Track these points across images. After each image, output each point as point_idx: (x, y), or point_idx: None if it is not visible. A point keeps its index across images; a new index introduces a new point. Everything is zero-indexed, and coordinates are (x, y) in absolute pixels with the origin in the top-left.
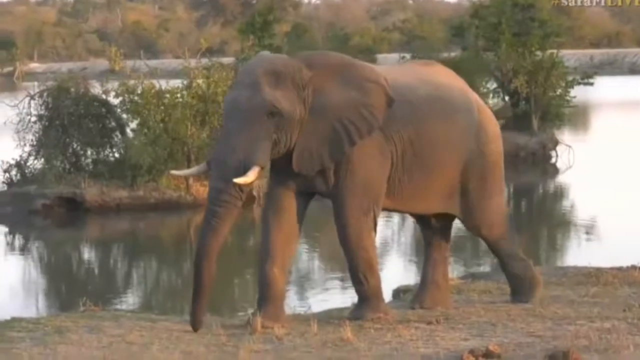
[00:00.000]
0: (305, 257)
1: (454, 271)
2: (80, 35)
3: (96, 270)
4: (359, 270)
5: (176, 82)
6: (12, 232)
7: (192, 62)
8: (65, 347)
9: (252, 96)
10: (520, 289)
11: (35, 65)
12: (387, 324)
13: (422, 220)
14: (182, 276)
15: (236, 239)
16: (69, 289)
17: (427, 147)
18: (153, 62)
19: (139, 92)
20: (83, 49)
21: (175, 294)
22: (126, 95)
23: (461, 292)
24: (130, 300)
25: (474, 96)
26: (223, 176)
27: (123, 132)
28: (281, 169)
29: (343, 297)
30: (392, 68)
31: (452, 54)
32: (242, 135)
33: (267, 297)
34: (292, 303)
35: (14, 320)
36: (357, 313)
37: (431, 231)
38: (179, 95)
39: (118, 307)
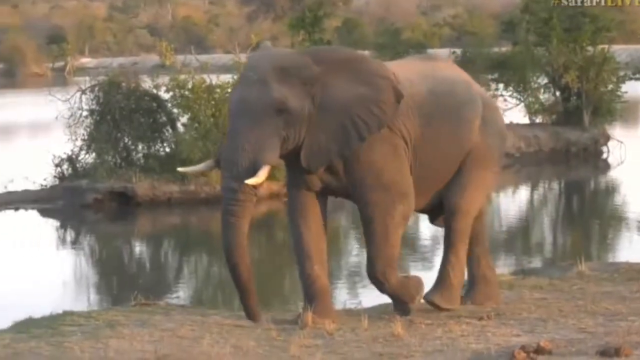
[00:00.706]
0: (356, 253)
1: (505, 267)
2: (131, 30)
3: (147, 265)
4: (378, 269)
5: (227, 77)
6: (63, 227)
7: (243, 57)
8: (117, 341)
9: (260, 93)
10: (444, 295)
11: (86, 60)
12: (438, 320)
13: None
14: None
15: (285, 234)
16: (120, 283)
17: (429, 143)
18: (203, 57)
19: (190, 86)
20: (134, 44)
21: (226, 288)
22: (177, 90)
23: (512, 287)
24: (181, 294)
25: (480, 90)
26: (235, 176)
27: (174, 127)
28: (295, 168)
29: None
30: (394, 64)
31: (503, 49)
32: (251, 133)
33: (313, 295)
34: (342, 298)
35: (65, 314)
36: (399, 309)
37: None
38: (229, 90)
39: (169, 301)
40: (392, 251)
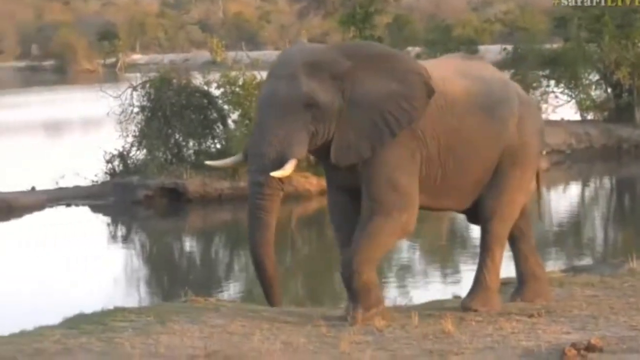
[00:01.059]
0: (406, 249)
1: (556, 264)
2: (183, 26)
3: (197, 261)
4: (355, 260)
5: None
6: (114, 223)
7: None
8: (167, 337)
9: (289, 88)
10: (477, 299)
11: (137, 57)
12: (489, 317)
13: None
14: (284, 266)
15: None
16: (171, 279)
17: (464, 142)
18: (254, 54)
19: (241, 83)
20: (185, 40)
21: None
22: (228, 87)
23: (563, 285)
24: (231, 290)
25: (516, 88)
26: (262, 169)
27: (224, 124)
28: (326, 164)
29: (444, 288)
30: (429, 62)
31: (555, 46)
32: (279, 127)
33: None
34: (392, 295)
35: (116, 310)
36: (349, 310)
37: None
38: None
39: (219, 297)
40: (377, 252)
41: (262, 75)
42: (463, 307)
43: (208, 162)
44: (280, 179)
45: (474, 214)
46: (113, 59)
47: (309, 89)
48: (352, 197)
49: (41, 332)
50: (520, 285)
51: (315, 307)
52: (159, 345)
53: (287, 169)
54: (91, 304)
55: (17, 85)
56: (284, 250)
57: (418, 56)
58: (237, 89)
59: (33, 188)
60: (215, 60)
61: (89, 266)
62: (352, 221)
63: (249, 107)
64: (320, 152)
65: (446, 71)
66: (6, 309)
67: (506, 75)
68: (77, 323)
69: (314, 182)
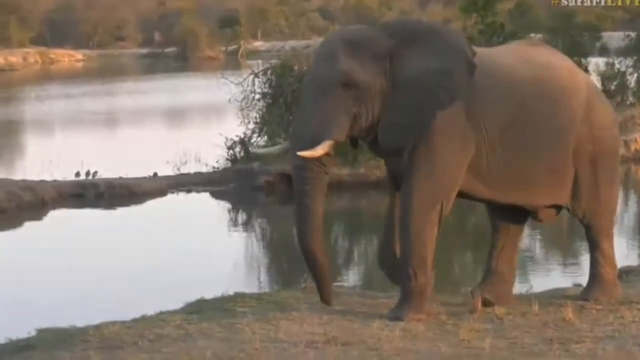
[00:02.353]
0: (527, 238)
1: None
2: (304, 13)
3: None
4: (410, 265)
5: None
6: (235, 209)
7: None
8: (287, 323)
9: (327, 68)
10: (600, 291)
11: (258, 44)
12: (609, 305)
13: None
14: None
15: (455, 216)
16: (291, 265)
17: (529, 132)
18: None
19: None
20: (306, 27)
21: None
22: None
23: None
24: (351, 277)
25: (585, 77)
26: (299, 151)
27: None
28: (377, 149)
29: (564, 277)
30: (494, 49)
31: None
32: (318, 108)
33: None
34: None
35: (236, 295)
36: (396, 313)
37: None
38: None
39: (339, 283)
40: (424, 250)
41: None
42: (582, 298)
43: (256, 150)
44: (321, 161)
45: (548, 214)
46: (235, 46)
47: (347, 68)
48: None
49: (162, 317)
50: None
51: (435, 294)
52: (279, 331)
53: (318, 150)
54: (212, 290)
55: (140, 72)
56: None
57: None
58: None
59: (155, 174)
60: None
61: (209, 252)
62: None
63: None
64: (371, 139)
65: (511, 57)
66: (128, 295)
67: (629, 62)
68: (198, 308)
69: None
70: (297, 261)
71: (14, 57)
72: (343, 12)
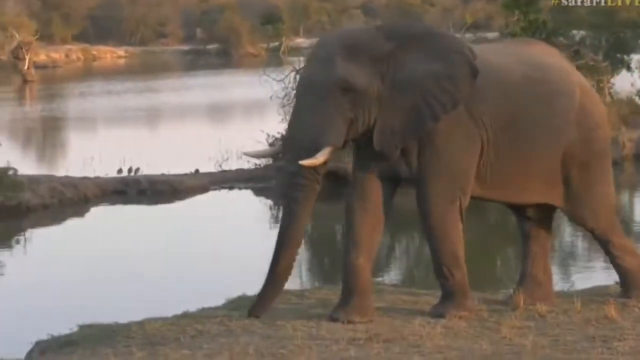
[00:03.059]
0: (568, 235)
1: None
2: (346, 10)
3: None
4: (444, 264)
5: None
6: (276, 205)
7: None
8: (328, 320)
9: (324, 71)
10: (634, 284)
11: (300, 40)
12: None
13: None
14: None
15: (497, 215)
16: (332, 262)
17: (523, 132)
18: None
19: None
20: (348, 24)
21: None
22: None
23: None
24: (392, 274)
25: (579, 78)
26: (295, 158)
27: None
28: (364, 152)
29: (607, 274)
30: (487, 47)
31: None
32: (314, 113)
33: (353, 289)
34: (554, 280)
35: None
36: (439, 309)
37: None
38: None
39: (380, 280)
40: (454, 247)
41: None
42: (627, 298)
43: (245, 152)
44: (316, 169)
45: (537, 216)
46: (276, 43)
47: (346, 72)
48: (387, 188)
49: (204, 313)
50: (521, 283)
51: (475, 291)
52: (320, 328)
53: (319, 158)
54: (253, 286)
55: (182, 69)
56: None
57: (582, 39)
58: None
59: (197, 171)
60: None
61: (250, 248)
62: (369, 218)
63: None
64: (362, 141)
65: (505, 57)
66: (170, 291)
67: None
68: (240, 305)
69: None
70: (338, 258)
71: (57, 54)
72: (385, 9)
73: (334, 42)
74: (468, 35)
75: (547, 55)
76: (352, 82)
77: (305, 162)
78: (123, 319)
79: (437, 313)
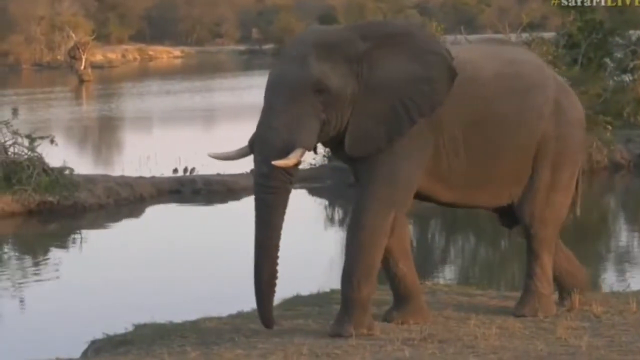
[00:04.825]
0: (625, 235)
1: None
2: (401, 10)
3: (414, 243)
4: (355, 275)
5: None
6: (331, 205)
7: (513, 37)
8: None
9: (298, 71)
10: (526, 303)
11: None
12: None
13: None
14: (500, 251)
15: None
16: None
17: (494, 130)
18: (473, 37)
19: None
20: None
21: (493, 269)
22: None
23: None
24: (447, 274)
25: (552, 74)
26: (266, 159)
27: None
28: (340, 156)
29: None
30: (458, 46)
31: None
32: (286, 113)
33: (401, 296)
34: (610, 281)
35: (332, 292)
36: (336, 328)
37: None
38: None
39: (435, 281)
40: (373, 262)
41: None
42: (517, 315)
43: (211, 154)
44: (288, 171)
45: (508, 216)
46: None
47: (320, 73)
48: None
49: (257, 313)
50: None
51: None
52: (375, 329)
53: (292, 159)
54: (307, 286)
55: (238, 68)
56: (501, 235)
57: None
58: None
59: (252, 171)
60: None
61: (305, 248)
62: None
63: None
64: (334, 143)
65: (475, 54)
66: (224, 290)
67: None
68: (294, 305)
69: None
70: None
71: (113, 54)
72: (441, 9)
73: (308, 41)
74: (524, 35)
75: (518, 53)
76: (326, 82)
77: (277, 163)
78: (177, 319)
79: (334, 332)
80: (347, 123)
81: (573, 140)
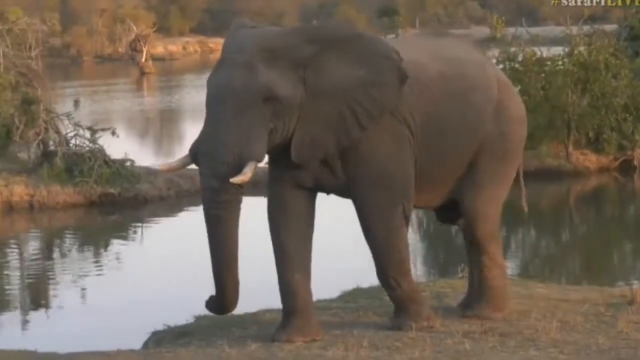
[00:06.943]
0: None
1: None
2: (462, 2)
3: None
4: (389, 275)
5: (557, 50)
6: None
7: (574, 30)
8: (443, 313)
9: (245, 79)
10: (494, 301)
11: (417, 32)
12: None
13: None
14: (560, 244)
15: (613, 208)
16: (447, 254)
17: (438, 132)
18: (534, 30)
19: (520, 59)
20: (464, 16)
21: (554, 262)
22: (507, 63)
23: None
24: (508, 267)
25: (495, 71)
26: (216, 174)
27: None
28: (281, 162)
29: None
30: (400, 42)
31: None
32: (234, 124)
33: (293, 309)
34: None
35: None
36: (397, 322)
37: None
38: (560, 62)
39: None
40: (400, 256)
41: (542, 51)
42: (472, 315)
43: (157, 166)
44: (239, 184)
45: (447, 213)
46: (393, 35)
47: (268, 80)
48: (307, 198)
49: (319, 305)
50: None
51: (592, 285)
52: (435, 321)
53: (248, 174)
54: (368, 278)
55: None
56: (562, 228)
57: None
58: (517, 65)
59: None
60: (494, 36)
61: (363, 240)
62: (296, 231)
63: (528, 83)
64: (278, 150)
65: (420, 52)
66: None
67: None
68: (354, 297)
69: (593, 160)
70: (453, 251)
71: (174, 46)
72: (502, 1)
73: (251, 45)
74: (586, 28)
75: (461, 50)
76: (275, 91)
77: (235, 180)
78: (238, 310)
79: (394, 327)
80: (293, 129)
81: (515, 137)
